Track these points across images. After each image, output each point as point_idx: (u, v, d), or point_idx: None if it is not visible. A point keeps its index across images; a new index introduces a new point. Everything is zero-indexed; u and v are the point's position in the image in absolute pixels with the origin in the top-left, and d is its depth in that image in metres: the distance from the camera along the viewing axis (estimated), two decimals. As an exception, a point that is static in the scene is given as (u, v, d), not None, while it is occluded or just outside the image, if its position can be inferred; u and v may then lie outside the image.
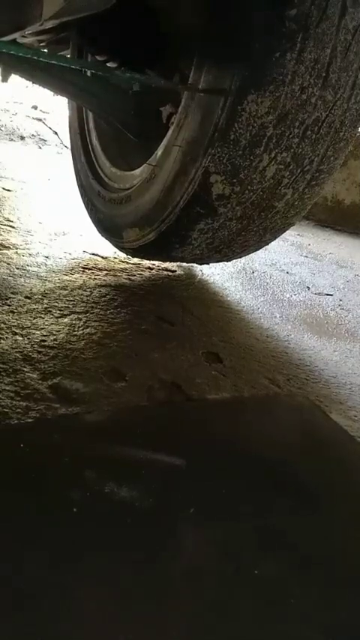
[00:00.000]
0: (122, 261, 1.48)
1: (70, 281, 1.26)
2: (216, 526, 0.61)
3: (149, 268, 1.47)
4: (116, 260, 1.48)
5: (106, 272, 1.37)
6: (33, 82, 1.37)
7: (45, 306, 1.09)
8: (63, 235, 1.62)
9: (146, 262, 1.50)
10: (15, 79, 1.46)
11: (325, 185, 1.13)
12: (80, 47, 1.45)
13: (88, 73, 1.50)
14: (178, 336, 1.09)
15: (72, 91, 1.32)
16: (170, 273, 1.47)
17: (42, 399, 0.78)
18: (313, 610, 0.53)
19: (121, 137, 1.39)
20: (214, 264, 1.51)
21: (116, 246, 1.42)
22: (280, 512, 0.65)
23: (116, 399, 0.82)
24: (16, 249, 1.41)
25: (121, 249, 1.40)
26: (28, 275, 1.24)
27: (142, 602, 0.50)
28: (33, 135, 3.45)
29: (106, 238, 1.44)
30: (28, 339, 0.94)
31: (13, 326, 0.97)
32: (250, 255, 1.39)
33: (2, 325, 0.97)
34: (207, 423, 0.83)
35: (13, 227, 1.59)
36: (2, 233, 1.51)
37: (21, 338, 0.94)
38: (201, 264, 1.45)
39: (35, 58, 0.97)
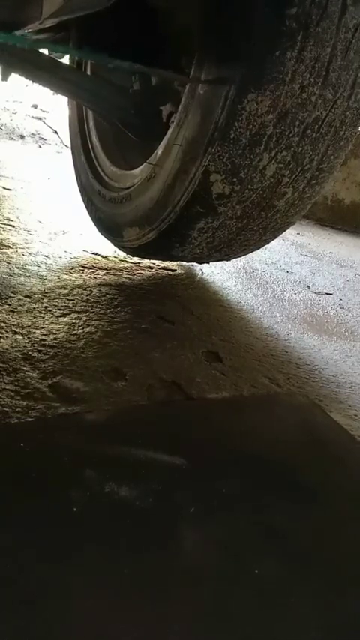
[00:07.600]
0: (122, 260, 1.48)
1: (70, 280, 1.25)
2: (216, 526, 0.61)
3: (149, 267, 1.47)
4: (116, 259, 1.48)
5: (106, 271, 1.37)
6: (33, 81, 1.36)
7: (45, 305, 1.09)
8: (63, 234, 1.62)
9: (146, 261, 1.50)
10: (15, 77, 1.46)
11: (326, 184, 1.13)
12: (80, 46, 1.45)
13: (88, 72, 1.50)
14: (178, 335, 1.09)
15: (72, 90, 1.32)
16: (170, 273, 1.47)
17: (42, 399, 0.78)
18: (313, 610, 0.53)
19: (122, 136, 1.38)
20: (214, 263, 1.51)
21: (116, 245, 1.42)
22: (280, 512, 0.65)
23: (116, 398, 0.82)
24: (16, 248, 1.40)
25: (121, 248, 1.40)
26: (28, 274, 1.24)
27: (142, 602, 0.50)
28: (33, 134, 3.45)
29: (106, 237, 1.44)
30: (28, 338, 0.94)
31: (13, 325, 0.97)
32: (250, 254, 1.39)
33: (2, 324, 0.97)
34: (207, 423, 0.83)
35: (13, 226, 1.59)
36: (2, 232, 1.51)
37: (21, 337, 0.94)
38: (201, 263, 1.45)
39: (35, 48, 0.97)
